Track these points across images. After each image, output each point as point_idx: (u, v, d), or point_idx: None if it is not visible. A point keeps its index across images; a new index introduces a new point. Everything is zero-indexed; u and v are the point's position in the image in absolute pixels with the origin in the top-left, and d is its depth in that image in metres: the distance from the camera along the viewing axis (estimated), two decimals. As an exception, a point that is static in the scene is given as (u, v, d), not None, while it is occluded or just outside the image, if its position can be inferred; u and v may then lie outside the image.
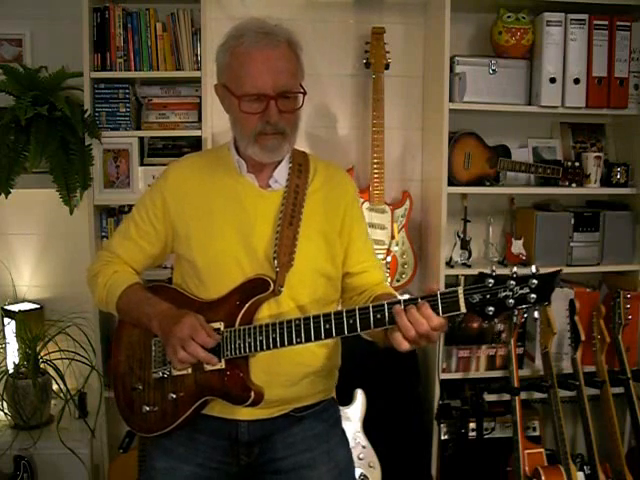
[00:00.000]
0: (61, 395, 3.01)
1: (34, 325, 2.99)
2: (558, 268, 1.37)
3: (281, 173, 1.76)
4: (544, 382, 2.95)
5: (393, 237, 3.05)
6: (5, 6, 3.00)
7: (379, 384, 2.91)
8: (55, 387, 3.03)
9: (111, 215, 2.99)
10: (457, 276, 2.96)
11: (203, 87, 2.84)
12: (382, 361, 2.84)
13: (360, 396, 2.81)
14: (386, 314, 1.46)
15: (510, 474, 2.95)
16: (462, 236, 3.11)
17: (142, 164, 2.96)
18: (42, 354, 2.97)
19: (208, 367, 1.64)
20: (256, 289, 1.66)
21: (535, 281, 1.35)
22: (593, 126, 3.29)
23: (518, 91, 2.99)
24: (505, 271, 1.40)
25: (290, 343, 1.56)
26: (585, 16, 2.92)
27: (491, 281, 1.38)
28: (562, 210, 3.12)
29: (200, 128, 2.88)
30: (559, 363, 3.08)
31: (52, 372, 2.99)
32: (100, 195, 2.91)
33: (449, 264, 3.06)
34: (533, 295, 1.36)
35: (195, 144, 2.95)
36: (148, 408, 1.74)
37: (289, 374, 1.73)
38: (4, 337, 3.03)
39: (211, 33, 2.82)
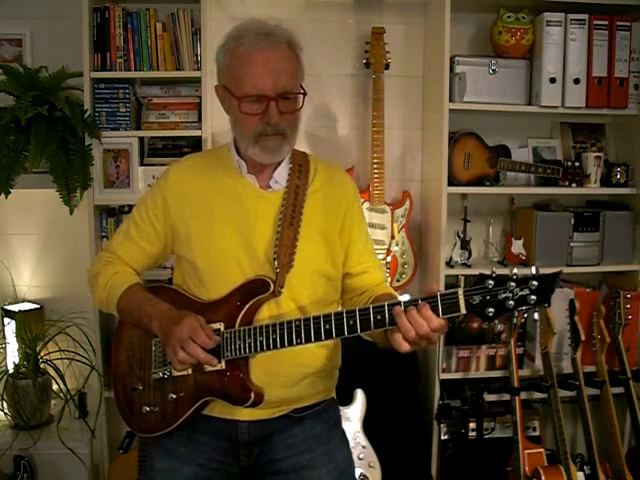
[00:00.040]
0: (61, 395, 3.01)
1: (34, 325, 2.99)
2: (558, 269, 1.37)
3: (281, 174, 1.76)
4: (544, 382, 2.95)
5: (393, 237, 3.05)
6: (5, 6, 3.00)
7: (379, 384, 2.91)
8: (55, 387, 3.03)
9: (111, 215, 2.99)
10: (457, 276, 2.96)
11: (203, 87, 2.84)
12: (382, 361, 2.84)
13: (360, 396, 2.81)
14: (386, 315, 1.46)
15: (510, 474, 2.95)
16: (462, 236, 3.11)
17: (142, 164, 2.96)
18: (42, 354, 2.97)
19: (208, 368, 1.64)
20: (256, 290, 1.66)
21: (535, 283, 1.36)
22: (593, 126, 3.29)
23: (518, 91, 2.99)
24: (505, 271, 1.40)
25: (290, 344, 1.56)
26: (585, 16, 2.92)
27: (491, 282, 1.38)
28: (562, 210, 3.12)
29: (200, 128, 2.88)
30: (559, 363, 3.08)
31: (52, 372, 2.99)
32: (100, 195, 2.91)
33: (449, 264, 3.06)
34: (533, 297, 1.36)
35: (195, 144, 2.95)
36: (148, 408, 1.75)
37: (289, 375, 1.73)
38: (4, 337, 3.03)
39: (211, 33, 2.82)
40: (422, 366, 3.15)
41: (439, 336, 1.46)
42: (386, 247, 3.04)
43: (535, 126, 3.27)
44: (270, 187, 1.76)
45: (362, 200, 2.94)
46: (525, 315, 3.00)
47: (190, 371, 1.68)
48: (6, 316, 3.03)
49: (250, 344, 1.60)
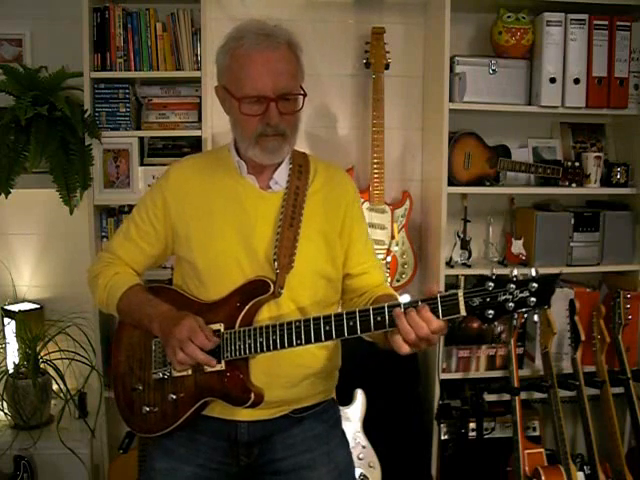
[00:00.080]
0: (61, 395, 3.01)
1: (34, 325, 2.99)
2: (558, 271, 1.37)
3: (281, 174, 1.76)
4: (544, 382, 2.95)
5: (393, 237, 3.05)
6: (5, 6, 3.00)
7: (379, 384, 2.91)
8: (55, 387, 3.03)
9: (111, 215, 2.99)
10: (457, 276, 2.96)
11: (203, 87, 2.84)
12: (382, 361, 2.83)
13: (360, 396, 2.81)
14: (386, 317, 1.46)
15: (510, 474, 2.95)
16: (462, 236, 3.11)
17: (142, 164, 2.96)
18: (42, 354, 2.97)
19: (208, 368, 1.64)
20: (256, 291, 1.66)
21: (535, 285, 1.36)
22: (593, 126, 3.29)
23: (518, 91, 2.99)
24: (505, 271, 1.40)
25: (290, 345, 1.57)
26: (585, 16, 2.92)
27: (491, 284, 1.38)
28: (562, 210, 3.12)
29: (200, 128, 2.88)
30: (559, 363, 3.08)
31: (52, 372, 2.99)
32: (100, 195, 2.91)
33: (449, 264, 3.06)
34: (533, 299, 1.36)
35: (195, 144, 2.95)
36: (148, 409, 1.75)
37: (289, 375, 1.73)
38: (4, 337, 3.03)
39: (211, 33, 2.82)
40: (422, 366, 3.15)
41: (439, 337, 1.47)
42: (386, 247, 3.04)
43: (535, 126, 3.27)
44: (270, 188, 1.76)
45: (362, 200, 2.94)
46: (525, 316, 3.01)
47: (190, 372, 1.68)
48: (6, 316, 3.03)
49: (250, 345, 1.60)
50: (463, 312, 1.39)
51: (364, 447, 2.77)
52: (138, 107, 3.01)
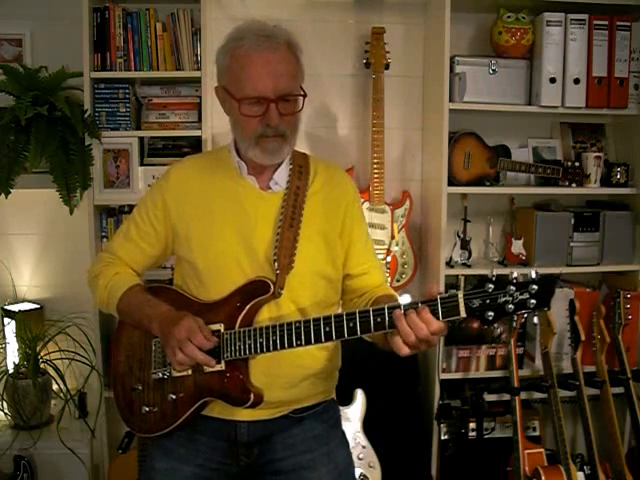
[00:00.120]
0: (61, 395, 3.01)
1: (34, 325, 2.99)
2: (558, 271, 1.38)
3: (281, 175, 1.76)
4: (544, 382, 2.95)
5: (393, 237, 3.05)
6: (5, 6, 3.00)
7: (379, 384, 2.91)
8: (55, 387, 3.03)
9: (111, 215, 2.99)
10: (457, 276, 2.96)
11: (203, 87, 2.84)
12: (382, 361, 2.82)
13: (360, 396, 2.81)
14: (386, 318, 1.46)
15: (510, 474, 2.95)
16: (462, 236, 3.11)
17: (142, 164, 2.96)
18: (42, 354, 2.97)
19: (208, 369, 1.64)
20: (256, 291, 1.66)
21: (535, 287, 1.36)
22: (593, 126, 3.29)
23: (518, 91, 2.99)
24: (505, 271, 1.40)
25: (290, 345, 1.57)
26: (585, 16, 2.92)
27: (491, 286, 1.38)
28: (562, 210, 3.12)
29: (200, 128, 2.88)
30: (559, 363, 3.08)
31: (52, 372, 2.99)
32: (100, 195, 2.91)
33: (449, 264, 3.06)
34: (533, 300, 1.36)
35: (195, 144, 2.95)
36: (148, 409, 1.75)
37: (289, 376, 1.73)
38: (4, 337, 3.03)
39: (211, 33, 2.82)
40: (422, 366, 3.15)
41: (439, 339, 1.47)
42: (386, 247, 3.04)
43: (535, 126, 3.27)
44: (270, 188, 1.76)
45: (362, 200, 2.94)
46: (525, 317, 3.00)
47: (190, 372, 1.68)
48: (6, 316, 3.04)
49: (250, 345, 1.60)
50: (463, 314, 1.39)
51: (364, 447, 2.77)
52: (138, 107, 3.01)
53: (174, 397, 1.71)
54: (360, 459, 2.74)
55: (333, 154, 3.12)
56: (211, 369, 1.63)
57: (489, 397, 3.03)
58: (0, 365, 3.00)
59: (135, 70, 2.87)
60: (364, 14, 3.12)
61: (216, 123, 2.92)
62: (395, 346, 1.45)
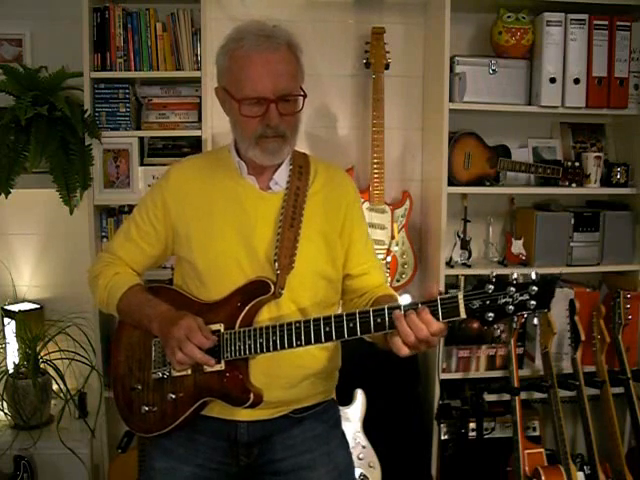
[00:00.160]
0: (61, 395, 3.01)
1: (34, 325, 2.99)
2: (558, 271, 1.38)
3: (282, 175, 1.76)
4: (544, 382, 2.95)
5: (393, 237, 3.05)
6: (5, 6, 3.00)
7: (379, 384, 2.91)
8: (55, 387, 3.03)
9: (111, 215, 2.99)
10: (457, 276, 2.97)
11: (203, 87, 2.84)
12: (382, 361, 2.82)
13: (360, 396, 2.81)
14: (386, 318, 1.46)
15: (510, 474, 2.95)
16: (462, 236, 3.11)
17: (142, 164, 2.96)
18: (42, 354, 2.97)
19: (208, 368, 1.64)
20: (257, 291, 1.66)
21: (535, 288, 1.36)
22: (593, 126, 3.29)
23: (518, 91, 2.99)
24: (505, 271, 1.40)
25: (290, 346, 1.57)
26: (585, 16, 2.92)
27: (491, 287, 1.38)
28: (562, 210, 3.12)
29: (200, 128, 2.88)
30: (559, 363, 3.08)
31: (52, 372, 2.99)
32: (100, 195, 2.91)
33: (449, 264, 3.06)
34: (533, 302, 1.36)
35: (195, 144, 2.95)
36: (147, 408, 1.75)
37: (289, 376, 1.73)
38: (4, 337, 3.03)
39: (211, 33, 2.82)
40: (422, 366, 3.15)
41: (439, 340, 1.47)
42: (386, 247, 3.04)
43: (535, 126, 3.27)
44: (270, 188, 1.76)
45: (362, 200, 2.94)
46: (525, 317, 3.00)
47: (190, 371, 1.68)
48: (6, 316, 3.03)
49: (250, 345, 1.60)
50: (463, 315, 1.40)
51: (364, 447, 2.77)
52: (138, 107, 3.01)
53: (174, 397, 1.71)
54: (360, 459, 2.74)
55: (333, 154, 3.12)
56: (211, 369, 1.63)
57: (489, 397, 3.03)
58: (0, 365, 3.00)
59: (135, 70, 2.87)
60: (364, 14, 3.12)
61: (216, 123, 2.92)
62: (395, 346, 1.45)
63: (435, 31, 3.00)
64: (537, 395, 3.07)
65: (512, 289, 1.37)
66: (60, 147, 2.76)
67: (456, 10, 2.85)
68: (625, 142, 3.24)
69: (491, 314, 1.38)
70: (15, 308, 3.05)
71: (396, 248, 3.06)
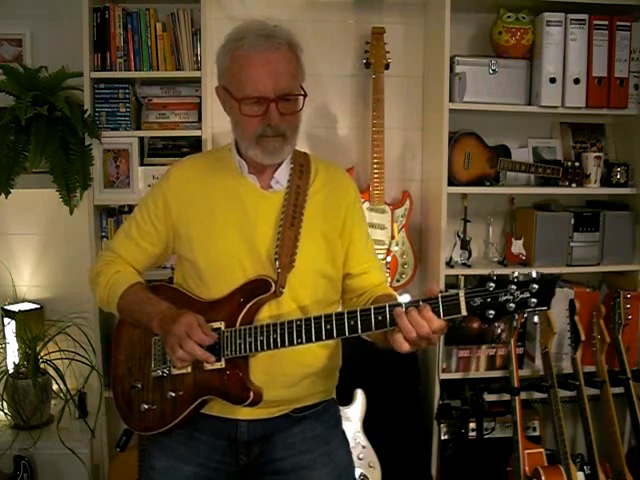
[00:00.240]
0: (61, 395, 3.01)
1: (34, 325, 2.99)
2: (558, 271, 1.38)
3: (282, 174, 1.76)
4: (544, 382, 2.95)
5: (393, 237, 3.05)
6: (5, 6, 3.00)
7: (379, 384, 2.91)
8: (55, 387, 3.03)
9: (111, 215, 3.00)
10: (457, 276, 2.96)
11: (203, 87, 2.84)
12: (382, 361, 2.84)
13: (360, 396, 2.81)
14: (387, 316, 1.46)
15: (510, 474, 2.95)
16: (462, 236, 3.11)
17: (142, 164, 2.96)
18: (42, 354, 2.97)
19: (208, 366, 1.64)
20: (258, 290, 1.66)
21: (536, 286, 1.36)
22: (593, 126, 3.29)
23: (518, 91, 2.99)
24: (505, 271, 1.41)
25: (291, 343, 1.57)
26: (585, 16, 2.92)
27: (492, 285, 1.38)
28: (562, 210, 3.12)
29: (200, 128, 2.88)
30: (559, 363, 3.08)
31: (52, 372, 2.99)
32: (100, 195, 2.92)
33: (449, 264, 3.06)
34: (534, 300, 1.37)
35: (195, 144, 2.95)
36: (147, 407, 1.74)
37: (289, 374, 1.73)
38: (4, 337, 3.03)
39: (211, 33, 2.82)
40: (422, 366, 3.15)
41: (439, 337, 1.47)
42: (386, 247, 3.04)
43: (535, 126, 3.27)
44: (271, 187, 1.76)
45: (362, 200, 2.93)
46: (525, 316, 3.01)
47: (190, 369, 1.68)
48: (6, 316, 3.03)
49: (251, 343, 1.60)
50: (464, 312, 1.40)
51: (364, 447, 2.77)
52: (138, 107, 3.01)
53: (174, 395, 1.71)
54: (360, 459, 2.74)
55: (333, 154, 3.11)
56: (211, 367, 1.64)
57: (489, 397, 3.03)
58: (0, 365, 3.00)
59: (135, 70, 2.88)
60: (364, 14, 3.12)
61: (216, 123, 2.93)
62: (396, 343, 1.45)
63: (435, 31, 3.00)
64: (537, 395, 3.08)
65: (513, 287, 1.38)
66: (60, 147, 2.76)
67: (456, 10, 2.85)
68: (625, 142, 3.24)
69: (492, 312, 1.38)
70: (15, 308, 3.05)
71: (396, 248, 3.06)
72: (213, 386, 1.66)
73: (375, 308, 1.48)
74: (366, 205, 2.99)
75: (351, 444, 1.97)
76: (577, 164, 3.01)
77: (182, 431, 1.75)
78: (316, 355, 1.76)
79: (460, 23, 3.00)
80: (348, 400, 2.78)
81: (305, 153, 1.85)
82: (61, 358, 3.00)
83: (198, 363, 1.64)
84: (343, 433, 1.94)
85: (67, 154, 2.77)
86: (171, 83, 2.95)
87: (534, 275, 1.37)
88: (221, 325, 1.64)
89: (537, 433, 3.12)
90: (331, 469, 1.80)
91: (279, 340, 1.57)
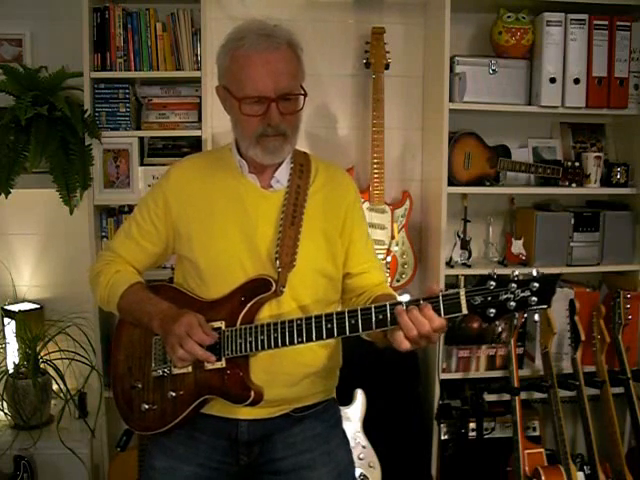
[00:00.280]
0: (61, 395, 3.01)
1: (34, 325, 2.99)
2: (558, 271, 1.39)
3: (282, 173, 1.76)
4: (544, 382, 2.95)
5: (393, 237, 3.05)
6: (5, 6, 3.00)
7: (379, 384, 2.91)
8: (55, 387, 3.03)
9: (111, 215, 2.99)
10: (457, 276, 2.96)
11: (203, 87, 2.84)
12: (382, 361, 2.84)
13: (360, 396, 2.81)
14: (388, 314, 1.46)
15: (510, 474, 2.95)
16: (462, 236, 3.11)
17: (142, 164, 2.96)
18: (42, 354, 2.97)
19: (209, 366, 1.64)
20: (258, 289, 1.66)
21: (536, 284, 1.37)
22: (593, 126, 3.29)
23: (518, 91, 2.99)
24: (505, 271, 1.41)
25: (291, 343, 1.57)
26: (585, 16, 2.92)
27: (493, 283, 1.39)
28: (562, 210, 3.12)
29: (200, 128, 2.88)
30: (559, 363, 3.08)
31: (52, 372, 2.99)
32: (100, 195, 2.92)
33: (449, 264, 3.06)
34: (534, 298, 1.37)
35: (195, 144, 2.95)
36: (147, 406, 1.74)
37: (290, 374, 1.73)
38: (4, 337, 3.03)
39: (211, 33, 2.82)
40: (422, 366, 3.15)
41: (439, 336, 1.47)
42: (386, 247, 3.04)
43: (535, 126, 3.27)
44: (271, 187, 1.76)
45: (362, 200, 2.93)
46: (525, 315, 3.01)
47: (190, 369, 1.68)
48: (6, 316, 3.03)
49: (251, 342, 1.60)
50: (465, 310, 1.40)
51: (364, 447, 2.77)
52: (138, 107, 3.01)
53: (174, 395, 1.71)
54: (360, 459, 2.74)
55: (333, 154, 3.11)
56: (211, 366, 1.64)
57: (489, 397, 3.03)
58: (0, 365, 3.00)
59: (135, 70, 2.88)
60: (364, 14, 3.12)
61: (216, 123, 2.93)
62: (396, 341, 1.45)
63: (435, 31, 3.00)
64: (537, 395, 3.08)
65: (513, 285, 1.38)
66: (60, 147, 2.76)
67: (456, 10, 2.85)
68: (625, 142, 3.24)
69: (492, 310, 1.39)
70: (15, 308, 3.05)
71: (396, 248, 3.06)
72: (214, 386, 1.66)
73: (376, 307, 1.48)
74: (366, 205, 2.99)
75: (351, 444, 1.96)
76: (577, 164, 3.01)
77: (182, 431, 1.75)
78: (316, 354, 1.76)
79: (460, 23, 3.00)
80: (348, 400, 2.78)
81: (305, 153, 1.85)
82: (61, 358, 3.00)
83: (199, 363, 1.64)
84: (343, 433, 1.94)
85: (67, 154, 2.77)
86: (171, 83, 2.95)
87: (534, 274, 1.38)
88: (222, 325, 1.64)
89: (537, 433, 3.12)
90: (331, 468, 1.80)
91: (280, 339, 1.57)
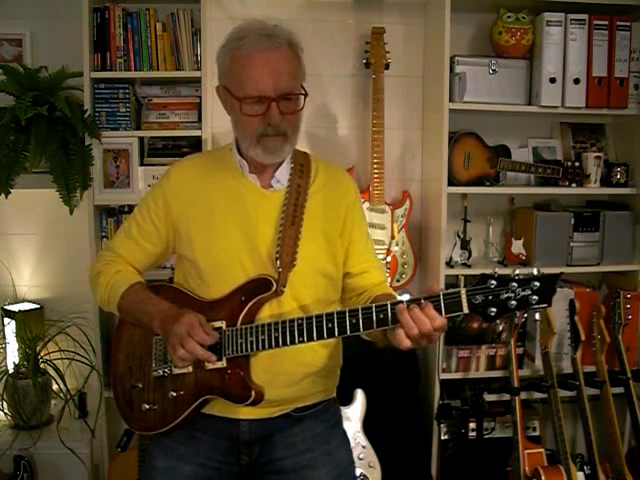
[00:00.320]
0: (61, 395, 3.01)
1: (34, 325, 2.99)
2: (558, 271, 1.39)
3: (283, 173, 1.76)
4: (544, 382, 2.95)
5: (393, 237, 3.05)
6: (5, 6, 3.00)
7: (379, 384, 2.91)
8: (55, 387, 3.03)
9: (111, 215, 2.99)
10: (457, 276, 2.96)
11: (203, 87, 2.84)
12: (382, 361, 2.84)
13: (360, 396, 2.81)
14: (389, 314, 1.46)
15: (510, 474, 2.95)
16: (462, 236, 3.11)
17: (142, 164, 2.96)
18: (42, 354, 2.97)
19: (209, 366, 1.64)
20: (259, 289, 1.67)
21: (537, 283, 1.37)
22: (593, 126, 3.29)
23: (518, 91, 2.99)
24: (505, 271, 1.41)
25: (292, 342, 1.57)
26: (585, 16, 2.92)
27: (493, 282, 1.39)
28: (562, 210, 3.12)
29: (200, 128, 2.88)
30: (559, 363, 3.08)
31: (52, 372, 2.99)
32: (100, 195, 2.91)
33: (449, 264, 3.06)
34: (535, 297, 1.38)
35: (195, 144, 2.95)
36: (148, 406, 1.74)
37: (290, 373, 1.73)
38: (4, 337, 3.03)
39: (211, 33, 2.82)
40: (422, 366, 3.15)
41: (439, 335, 1.47)
42: (386, 247, 3.04)
43: (535, 126, 3.27)
44: (272, 187, 1.76)
45: (362, 200, 2.94)
46: (526, 315, 3.01)
47: (191, 369, 1.68)
48: (6, 316, 3.03)
49: (252, 342, 1.60)
50: (466, 309, 1.41)
51: (364, 447, 2.77)
52: (138, 107, 3.01)
53: (174, 395, 1.71)
54: (360, 459, 2.74)
55: (333, 154, 3.11)
56: (212, 366, 1.64)
57: (489, 397, 3.03)
58: (0, 365, 3.00)
59: (135, 70, 2.87)
60: (364, 14, 3.12)
61: (216, 123, 2.93)
62: (397, 339, 1.45)
63: (435, 31, 3.00)
64: (537, 395, 3.07)
65: (514, 284, 1.38)
66: (60, 147, 2.76)
67: (456, 10, 2.85)
68: (625, 142, 3.24)
69: (493, 309, 1.39)
70: (15, 308, 3.05)
71: (396, 248, 3.06)
72: (214, 385, 1.66)
73: (377, 306, 1.48)
74: (366, 205, 2.99)
75: (351, 444, 1.96)
76: (577, 164, 3.01)
77: (183, 431, 1.75)
78: (317, 354, 1.76)
79: (460, 23, 3.00)
80: (348, 400, 2.78)
81: (305, 153, 1.86)
82: (61, 358, 3.00)
83: (199, 362, 1.64)
84: (344, 432, 1.94)
85: (67, 154, 2.77)
86: (171, 83, 2.95)
87: (535, 273, 1.38)
88: (222, 324, 1.65)
89: (537, 433, 3.12)
90: (331, 468, 1.80)
91: (280, 339, 1.58)
